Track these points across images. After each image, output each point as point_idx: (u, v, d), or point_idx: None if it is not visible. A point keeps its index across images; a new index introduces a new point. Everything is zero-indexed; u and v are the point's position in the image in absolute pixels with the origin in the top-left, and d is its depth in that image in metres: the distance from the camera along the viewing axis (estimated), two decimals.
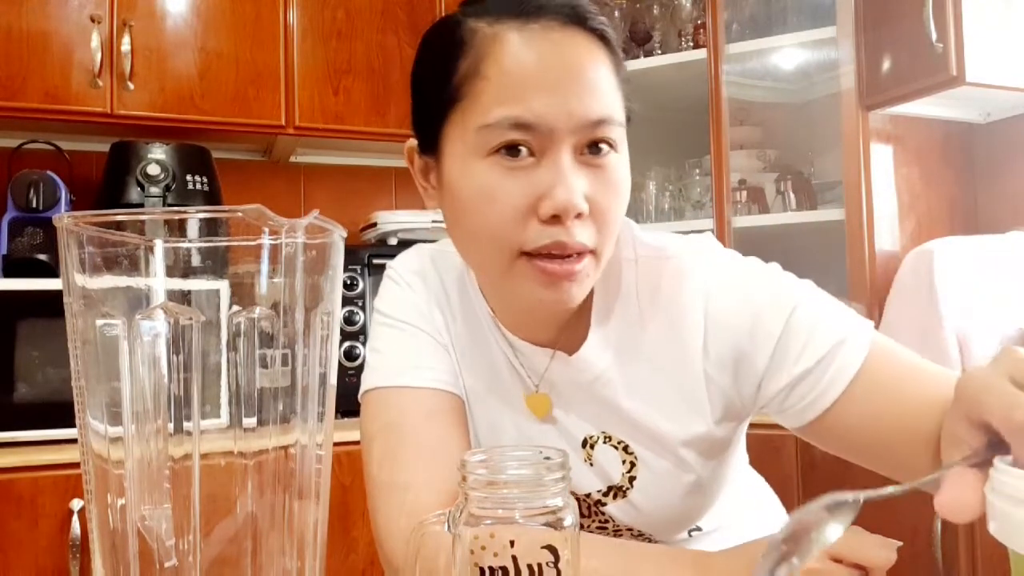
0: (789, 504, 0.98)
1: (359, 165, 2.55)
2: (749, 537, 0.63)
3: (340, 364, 1.92)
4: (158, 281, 0.46)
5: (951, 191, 2.16)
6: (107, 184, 2.07)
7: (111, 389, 0.46)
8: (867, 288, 1.98)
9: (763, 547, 0.59)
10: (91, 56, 1.98)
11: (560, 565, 0.47)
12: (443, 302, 0.83)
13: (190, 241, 0.46)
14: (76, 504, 1.62)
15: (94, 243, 0.46)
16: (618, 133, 0.68)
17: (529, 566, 0.48)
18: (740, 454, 0.87)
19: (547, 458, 0.49)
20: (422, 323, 0.82)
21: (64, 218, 0.46)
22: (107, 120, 2.03)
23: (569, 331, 0.77)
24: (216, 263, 0.47)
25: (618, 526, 0.81)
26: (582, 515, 0.81)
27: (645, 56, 2.30)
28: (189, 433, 0.47)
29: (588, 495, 0.80)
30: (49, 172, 1.96)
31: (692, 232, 0.83)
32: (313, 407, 0.50)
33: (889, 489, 0.44)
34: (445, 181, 0.71)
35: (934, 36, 1.80)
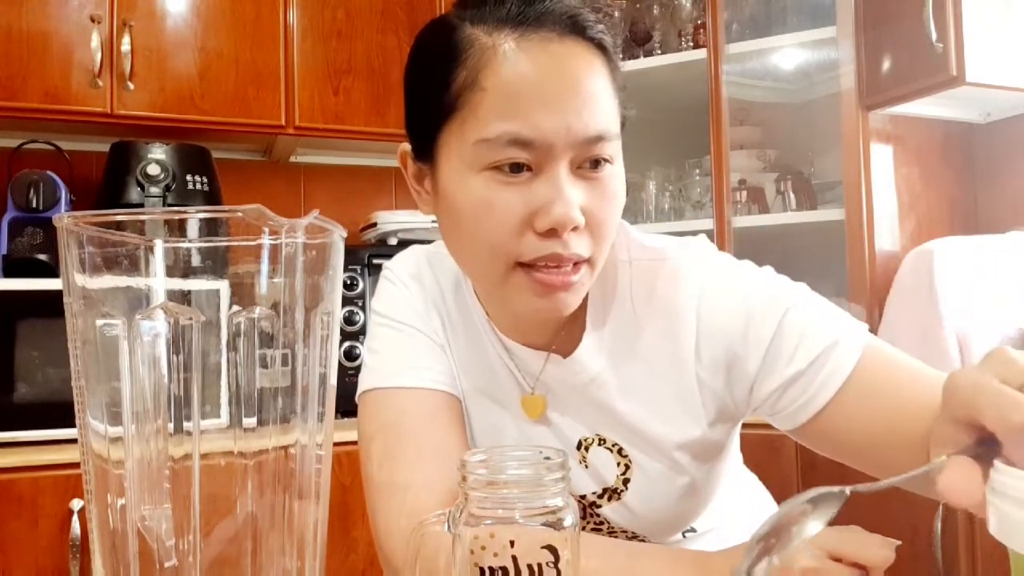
0: None
1: (359, 165, 2.55)
2: (743, 537, 0.63)
3: (340, 364, 1.92)
4: (158, 281, 0.46)
5: (951, 191, 2.16)
6: (107, 184, 2.07)
7: (111, 389, 0.46)
8: (867, 288, 1.98)
9: None
10: (91, 56, 1.98)
11: (560, 565, 0.47)
12: (439, 303, 0.83)
13: (190, 241, 0.46)
14: (76, 504, 1.62)
15: (94, 243, 0.46)
16: (614, 147, 0.68)
17: (529, 566, 0.48)
18: (734, 456, 0.87)
19: (547, 458, 0.49)
20: (419, 324, 0.82)
21: (64, 218, 0.46)
22: (107, 120, 2.03)
23: (564, 334, 0.77)
24: (216, 263, 0.47)
25: (613, 528, 0.81)
26: None
27: (645, 56, 2.30)
28: (189, 433, 0.47)
29: (583, 497, 0.80)
30: (49, 172, 1.96)
31: (692, 232, 0.83)
32: (313, 407, 0.50)
33: (880, 483, 0.44)
34: (441, 190, 0.70)
35: (934, 36, 1.80)
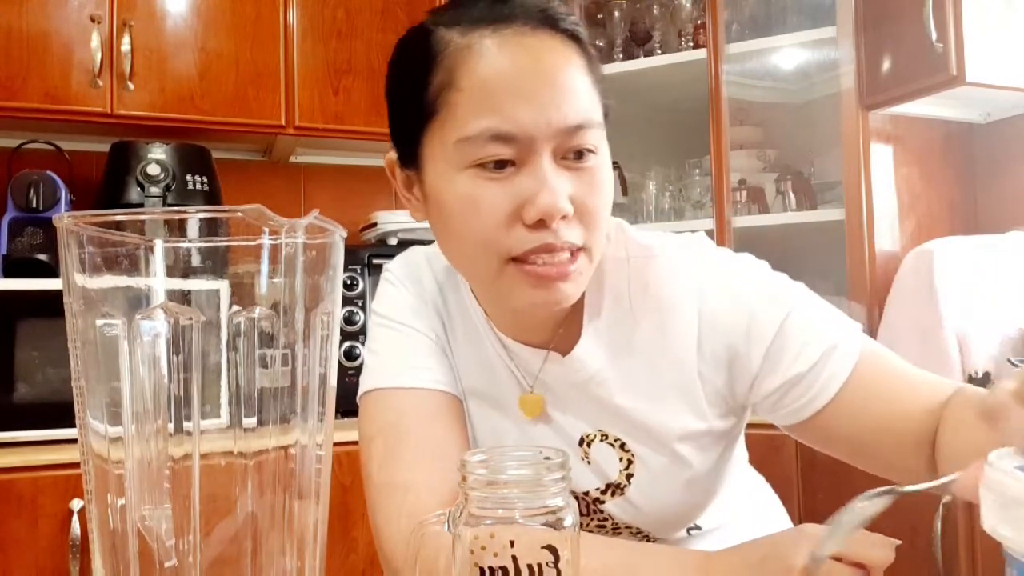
0: (789, 504, 0.98)
1: (359, 165, 2.55)
2: (748, 536, 0.63)
3: (340, 364, 1.92)
4: (158, 281, 0.46)
5: (951, 191, 2.16)
6: (107, 184, 2.07)
7: (111, 389, 0.46)
8: (867, 288, 1.98)
9: (763, 546, 0.59)
10: (91, 56, 1.98)
11: (560, 565, 0.47)
12: (439, 304, 0.84)
13: (190, 241, 0.46)
14: (76, 504, 1.62)
15: (94, 243, 0.46)
16: (597, 136, 0.68)
17: (529, 566, 0.48)
18: (739, 452, 0.88)
19: (547, 458, 0.49)
20: (419, 324, 0.82)
21: (64, 218, 0.46)
22: (107, 120, 2.03)
23: (562, 332, 0.77)
24: (216, 263, 0.47)
25: (617, 524, 0.81)
26: (581, 513, 0.81)
27: (645, 56, 2.30)
28: (189, 433, 0.47)
29: (586, 493, 0.81)
30: (49, 172, 1.96)
31: (699, 232, 0.83)
32: (313, 407, 0.50)
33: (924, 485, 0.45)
34: (428, 193, 0.71)
35: (934, 36, 1.80)
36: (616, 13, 2.33)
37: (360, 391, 0.81)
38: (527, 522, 0.47)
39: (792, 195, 2.16)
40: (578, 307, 0.76)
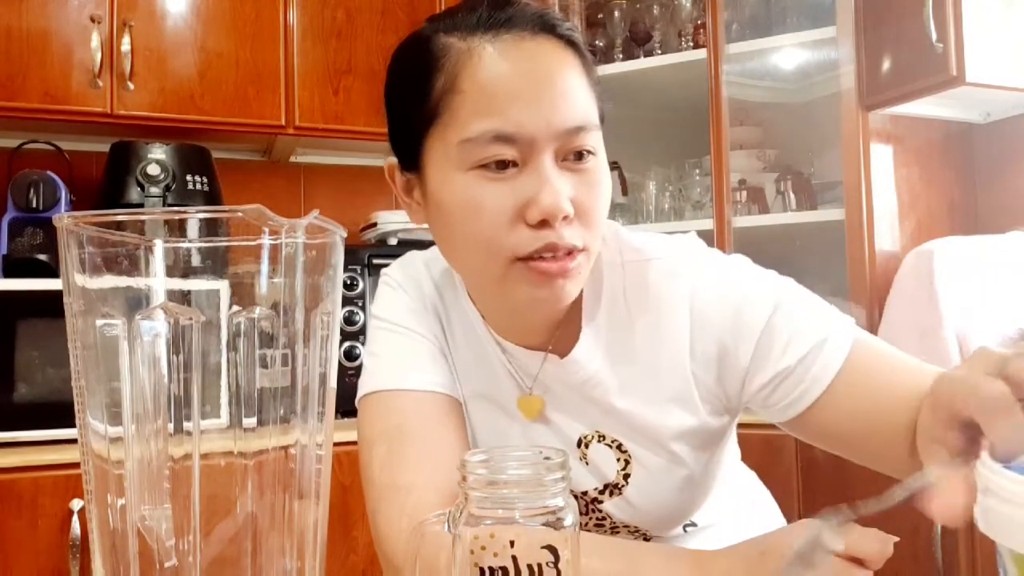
0: (789, 503, 0.98)
1: (359, 165, 2.55)
2: (743, 533, 0.64)
3: (340, 364, 1.92)
4: (158, 281, 0.46)
5: (951, 191, 2.16)
6: (107, 184, 2.07)
7: (111, 389, 0.46)
8: (867, 288, 1.98)
9: (762, 543, 0.59)
10: (91, 56, 1.98)
11: (560, 565, 0.47)
12: (438, 307, 0.84)
13: (190, 241, 0.46)
14: (76, 504, 1.62)
15: (94, 243, 0.46)
16: (596, 138, 0.69)
17: (529, 566, 0.48)
18: (731, 450, 0.88)
19: (547, 458, 0.49)
20: (418, 327, 0.82)
21: (64, 218, 0.46)
22: (107, 120, 2.03)
23: (560, 334, 0.77)
24: (216, 263, 0.47)
25: (615, 523, 0.82)
26: (579, 513, 0.82)
27: (645, 56, 2.30)
28: (189, 433, 0.47)
29: (585, 493, 0.81)
30: (49, 172, 1.96)
31: (692, 232, 0.84)
32: (313, 407, 0.50)
33: (878, 505, 0.45)
34: (430, 196, 0.72)
35: (934, 36, 1.80)
36: (616, 13, 2.33)
37: (360, 393, 0.81)
38: (527, 522, 0.47)
39: (792, 195, 2.16)
40: (576, 309, 0.77)
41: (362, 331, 2.04)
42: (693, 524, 0.86)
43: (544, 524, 0.47)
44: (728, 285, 0.75)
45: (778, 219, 2.13)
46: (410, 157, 0.73)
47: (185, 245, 0.46)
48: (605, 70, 2.23)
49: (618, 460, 0.79)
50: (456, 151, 0.67)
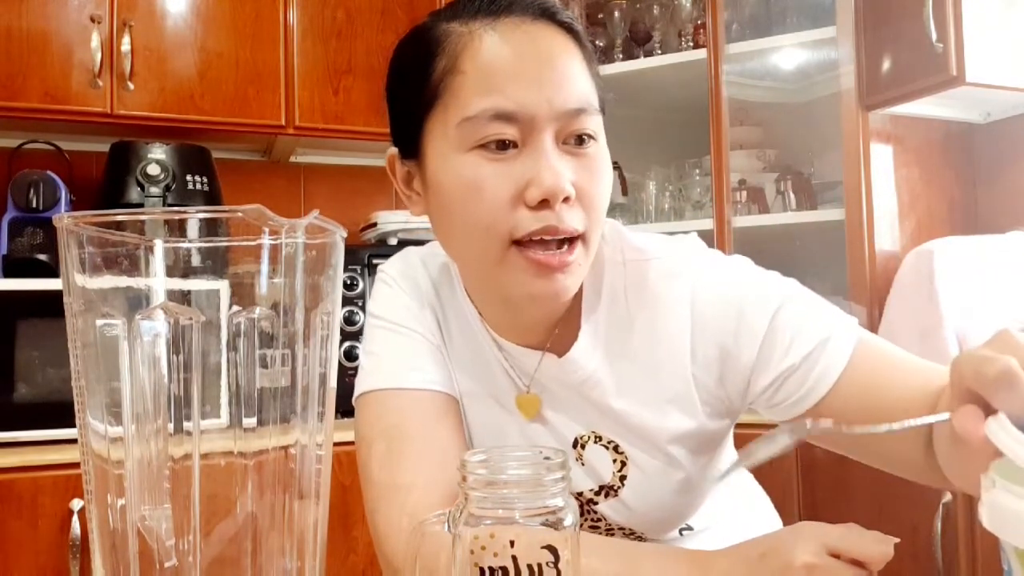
0: (788, 504, 0.98)
1: (359, 165, 2.55)
2: (739, 536, 0.64)
3: (340, 364, 1.92)
4: (158, 281, 0.46)
5: (951, 191, 2.16)
6: (107, 184, 2.07)
7: (111, 389, 0.46)
8: (867, 288, 1.98)
9: (761, 544, 0.59)
10: (91, 56, 1.98)
11: (560, 565, 0.47)
12: (435, 304, 0.84)
13: (190, 241, 0.46)
14: (76, 504, 1.62)
15: (94, 243, 0.46)
16: (597, 123, 0.70)
17: (529, 566, 0.48)
18: (729, 453, 0.88)
19: (547, 458, 0.49)
20: (415, 325, 0.82)
21: (64, 218, 0.46)
22: (107, 120, 2.03)
23: (558, 333, 0.77)
24: (216, 263, 0.47)
25: (610, 525, 0.82)
26: None
27: (645, 56, 2.30)
28: (189, 433, 0.47)
29: (580, 494, 0.81)
30: (49, 172, 1.96)
31: (692, 232, 0.83)
32: (313, 407, 0.50)
33: (879, 427, 0.48)
34: (429, 180, 0.71)
35: (934, 36, 1.80)
36: (616, 13, 2.33)
37: (356, 392, 0.81)
38: (527, 522, 0.47)
39: (792, 195, 2.16)
40: (575, 308, 0.76)
41: (362, 331, 2.03)
42: (689, 527, 0.85)
43: (544, 524, 0.47)
44: (729, 286, 0.74)
45: (778, 219, 2.13)
46: (410, 144, 0.73)
47: (185, 245, 0.46)
48: (605, 70, 2.23)
49: (614, 461, 0.79)
50: (456, 131, 0.67)
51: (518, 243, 0.67)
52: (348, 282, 2.07)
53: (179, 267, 0.46)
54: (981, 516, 0.39)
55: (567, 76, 0.67)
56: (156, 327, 0.46)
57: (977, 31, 1.81)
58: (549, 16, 0.69)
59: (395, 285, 0.85)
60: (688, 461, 0.78)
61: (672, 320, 0.74)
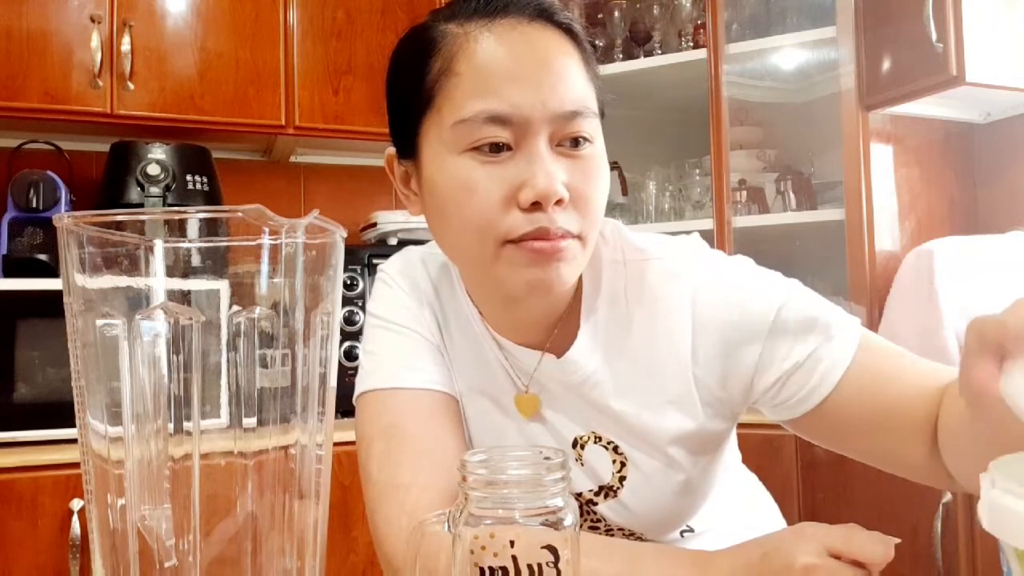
0: (789, 504, 0.98)
1: (359, 165, 2.55)
2: (741, 538, 0.63)
3: (340, 364, 1.92)
4: (158, 281, 0.46)
5: (951, 191, 2.16)
6: (107, 184, 2.07)
7: (111, 389, 0.46)
8: (867, 288, 1.98)
9: (763, 545, 0.59)
10: (91, 56, 1.98)
11: (560, 565, 0.47)
12: (434, 303, 0.84)
13: (190, 241, 0.46)
14: (76, 504, 1.62)
15: (94, 243, 0.46)
16: (593, 125, 0.69)
17: (529, 566, 0.48)
18: (731, 454, 0.88)
19: (547, 458, 0.49)
20: (415, 324, 0.82)
21: (64, 218, 0.46)
22: (107, 120, 2.03)
23: (558, 333, 0.77)
24: (216, 263, 0.47)
25: (609, 526, 0.82)
26: None
27: (645, 56, 2.30)
28: (189, 433, 0.47)
29: (579, 495, 0.81)
30: (49, 172, 1.96)
31: (693, 232, 0.83)
32: (313, 407, 0.50)
33: None
34: (425, 180, 0.71)
35: (934, 36, 1.80)
36: (616, 13, 2.33)
37: (356, 392, 0.81)
38: (527, 522, 0.47)
39: (792, 195, 2.16)
40: (574, 308, 0.76)
41: (362, 331, 2.03)
42: (690, 529, 0.85)
43: (544, 524, 0.47)
44: (731, 286, 0.74)
45: (778, 219, 2.13)
46: (407, 144, 0.73)
47: (185, 245, 0.46)
48: (605, 70, 2.23)
49: (613, 462, 0.78)
50: (451, 133, 0.67)
51: (511, 241, 0.67)
52: (348, 282, 2.07)
53: (179, 267, 0.46)
54: (980, 517, 0.39)
55: (563, 78, 0.67)
56: (156, 327, 0.46)
57: (977, 31, 1.81)
58: (547, 17, 0.69)
59: (394, 285, 0.85)
60: (688, 462, 0.77)
61: (673, 320, 0.74)
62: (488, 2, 0.69)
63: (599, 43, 2.35)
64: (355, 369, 0.83)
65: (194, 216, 0.47)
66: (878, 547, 0.54)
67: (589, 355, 0.76)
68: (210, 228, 0.47)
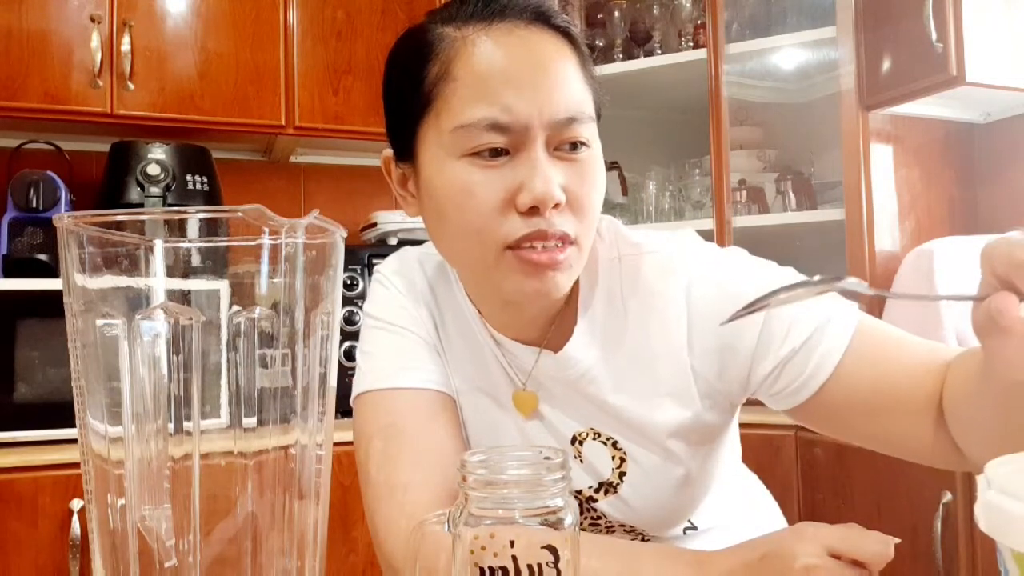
0: (788, 504, 0.98)
1: (359, 165, 2.55)
2: (743, 536, 0.63)
3: (340, 364, 1.92)
4: (158, 281, 0.46)
5: (951, 191, 2.16)
6: (107, 184, 2.07)
7: (111, 389, 0.46)
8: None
9: (762, 545, 0.59)
10: (91, 56, 1.98)
11: (560, 565, 0.47)
12: (431, 303, 0.84)
13: (190, 241, 0.46)
14: (76, 504, 1.62)
15: (94, 243, 0.46)
16: (589, 129, 0.69)
17: (529, 566, 0.48)
18: (731, 449, 0.87)
19: (547, 458, 0.49)
20: (411, 325, 0.82)
21: (64, 218, 0.46)
22: (107, 120, 2.03)
23: (555, 329, 0.77)
24: (216, 263, 0.47)
25: (610, 523, 0.82)
26: None
27: (645, 56, 2.30)
28: (189, 433, 0.47)
29: (579, 492, 0.81)
30: (49, 172, 1.96)
31: (691, 229, 0.83)
32: (313, 407, 0.50)
33: (912, 295, 0.49)
34: (423, 184, 0.72)
35: (934, 36, 1.80)
36: (616, 13, 2.33)
37: (354, 393, 0.81)
38: (527, 522, 0.47)
39: (792, 195, 2.16)
40: (571, 305, 0.77)
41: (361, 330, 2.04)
42: (693, 527, 0.85)
43: (544, 524, 0.47)
44: (725, 277, 0.74)
45: (778, 219, 2.13)
46: (404, 147, 0.74)
47: (185, 245, 0.46)
48: (605, 70, 2.23)
49: (613, 458, 0.79)
50: (449, 138, 0.67)
51: (510, 247, 0.68)
52: (348, 282, 2.07)
53: (179, 267, 0.46)
54: (977, 519, 0.39)
55: (560, 83, 0.67)
56: (156, 327, 0.46)
57: (977, 31, 1.81)
58: (544, 20, 0.69)
59: (390, 285, 0.85)
60: (687, 455, 0.78)
61: (668, 313, 0.74)
62: (486, 5, 0.69)
63: (599, 43, 2.35)
64: (355, 369, 0.83)
65: (194, 216, 0.47)
66: (878, 547, 0.54)
67: (586, 350, 0.76)
68: (210, 228, 0.47)
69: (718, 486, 0.84)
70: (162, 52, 2.08)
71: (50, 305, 1.68)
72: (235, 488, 0.49)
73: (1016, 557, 0.36)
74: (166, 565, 0.47)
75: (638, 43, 2.32)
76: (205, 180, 2.10)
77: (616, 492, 0.79)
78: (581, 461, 0.80)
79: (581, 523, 0.82)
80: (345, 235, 0.53)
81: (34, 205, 1.90)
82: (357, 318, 2.06)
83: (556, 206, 0.66)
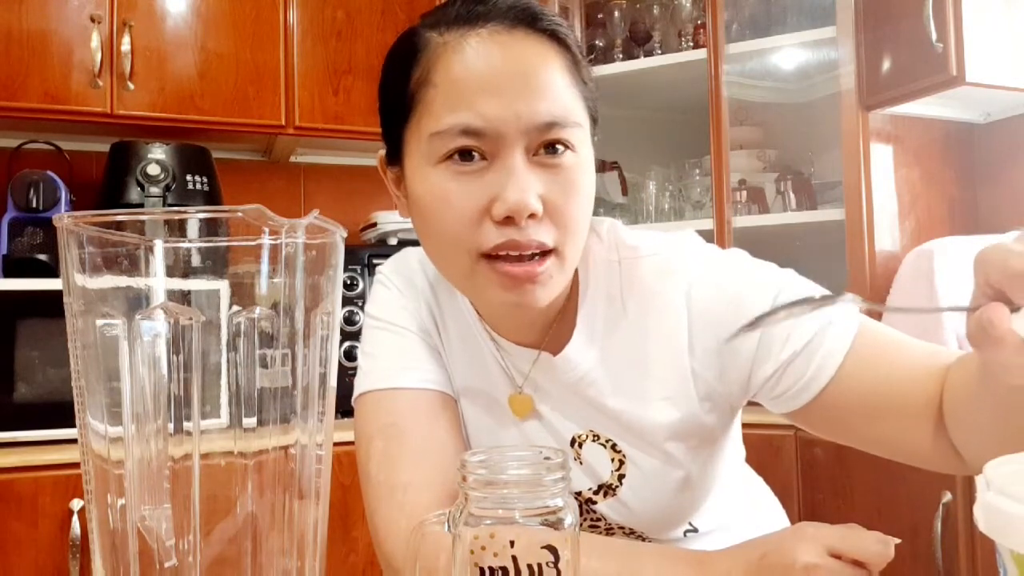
0: (789, 504, 0.98)
1: (359, 165, 2.55)
2: (745, 537, 0.63)
3: (340, 364, 1.92)
4: (158, 281, 0.46)
5: (951, 191, 2.16)
6: (107, 184, 2.07)
7: (111, 389, 0.46)
8: (867, 288, 1.98)
9: (762, 545, 0.59)
10: (91, 56, 1.98)
11: (560, 565, 0.47)
12: (432, 304, 0.84)
13: (190, 241, 0.46)
14: (76, 504, 1.62)
15: (94, 243, 0.46)
16: (574, 134, 0.68)
17: (529, 566, 0.48)
18: (732, 451, 0.87)
19: (547, 458, 0.49)
20: (412, 325, 0.82)
21: (64, 218, 0.46)
22: (107, 120, 2.03)
23: (554, 331, 0.77)
24: (216, 263, 0.47)
25: (610, 525, 0.82)
26: None
27: (645, 56, 2.30)
28: (189, 433, 0.47)
29: (579, 494, 0.81)
30: (49, 172, 1.96)
31: (691, 230, 0.83)
32: (313, 407, 0.50)
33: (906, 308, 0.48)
34: (408, 189, 0.72)
35: (934, 36, 1.80)
36: (616, 13, 2.33)
37: (355, 393, 0.81)
38: (527, 522, 0.47)
39: (792, 195, 2.16)
40: (571, 307, 0.77)
41: (362, 331, 2.04)
42: (694, 530, 0.85)
43: (544, 524, 0.47)
44: (725, 279, 0.74)
45: (778, 219, 2.13)
46: (394, 150, 0.74)
47: (185, 245, 0.46)
48: (605, 70, 2.23)
49: (612, 460, 0.78)
50: (427, 144, 0.67)
51: (487, 256, 0.67)
52: (348, 282, 2.07)
53: (179, 267, 0.46)
54: (977, 519, 0.39)
55: (539, 89, 0.66)
56: (156, 327, 0.46)
57: (977, 31, 1.81)
58: (528, 23, 0.67)
59: (391, 286, 0.85)
60: (687, 458, 0.77)
61: (668, 316, 0.74)
62: (469, 10, 0.68)
63: (599, 43, 2.35)
64: (355, 369, 0.83)
65: (194, 216, 0.47)
66: (878, 547, 0.54)
67: (584, 353, 0.76)
68: (210, 228, 0.47)
69: (719, 489, 0.84)
70: (162, 52, 2.08)
71: (50, 305, 1.68)
72: (235, 488, 0.49)
73: (1015, 558, 0.36)
74: (166, 565, 0.47)
75: (638, 43, 2.32)
76: (205, 180, 2.10)
77: (615, 494, 0.79)
78: (580, 463, 0.80)
79: (580, 525, 0.82)
80: (345, 235, 0.53)
81: (34, 205, 1.90)
82: (357, 318, 2.06)
83: (532, 216, 0.65)
